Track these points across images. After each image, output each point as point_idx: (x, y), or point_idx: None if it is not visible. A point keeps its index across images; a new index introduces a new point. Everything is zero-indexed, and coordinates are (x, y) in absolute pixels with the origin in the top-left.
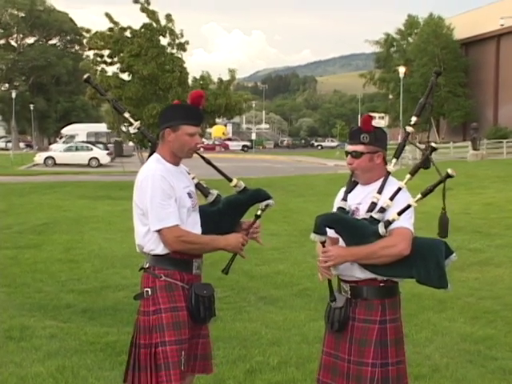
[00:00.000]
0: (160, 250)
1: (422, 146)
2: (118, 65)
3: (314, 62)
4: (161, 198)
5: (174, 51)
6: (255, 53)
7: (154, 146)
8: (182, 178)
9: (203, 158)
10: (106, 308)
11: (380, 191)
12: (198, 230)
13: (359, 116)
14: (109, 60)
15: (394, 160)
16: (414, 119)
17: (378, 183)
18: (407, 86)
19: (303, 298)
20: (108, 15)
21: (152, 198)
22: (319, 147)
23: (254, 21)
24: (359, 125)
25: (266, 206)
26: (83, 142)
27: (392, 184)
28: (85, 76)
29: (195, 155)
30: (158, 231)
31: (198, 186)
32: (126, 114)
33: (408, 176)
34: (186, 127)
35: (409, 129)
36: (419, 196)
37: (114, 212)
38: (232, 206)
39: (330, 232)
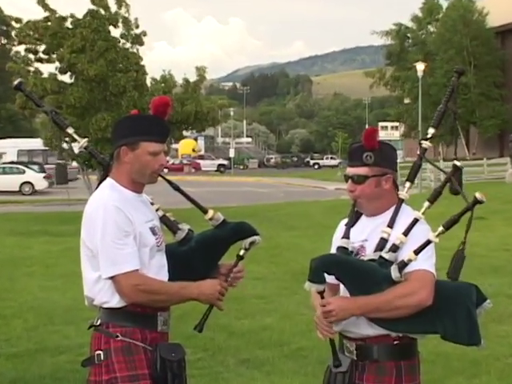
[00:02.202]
0: (115, 302)
1: (444, 165)
2: (56, 63)
3: (309, 57)
4: (115, 235)
5: (129, 45)
6: (233, 46)
7: (107, 168)
8: (143, 210)
9: (170, 182)
10: (43, 377)
11: (391, 224)
12: (163, 275)
13: (366, 126)
14: (45, 57)
15: (408, 184)
16: (431, 131)
17: (389, 214)
18: (427, 88)
19: (297, 361)
20: (42, 2)
21: (104, 236)
22: (316, 166)
23: (232, 5)
24: (361, 140)
25: (251, 243)
26: (13, 162)
27: (406, 215)
28: (15, 82)
29: (159, 179)
30: (112, 278)
31: (163, 219)
32: (70, 130)
33: (426, 204)
34: (147, 144)
35: (425, 144)
36: (441, 229)
37: (54, 252)
38: (208, 245)
39: (330, 278)
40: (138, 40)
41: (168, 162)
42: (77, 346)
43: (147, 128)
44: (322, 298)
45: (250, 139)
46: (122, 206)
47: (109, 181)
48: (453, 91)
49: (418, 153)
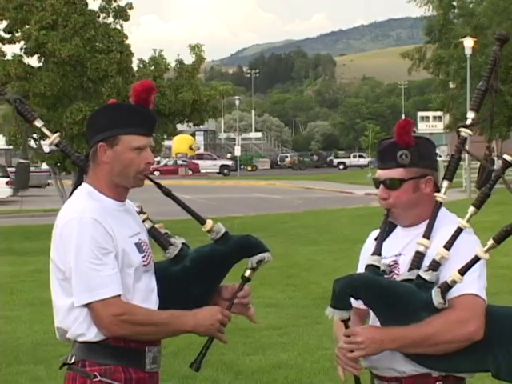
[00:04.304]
0: (93, 334)
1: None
2: (21, 43)
3: (332, 32)
4: (92, 254)
5: (111, 20)
6: (239, 20)
7: (83, 170)
8: (127, 221)
9: (159, 186)
10: None
11: (427, 234)
12: (152, 301)
13: (403, 116)
14: (7, 36)
15: (446, 183)
16: (470, 116)
17: None
18: (477, 69)
19: None
20: None
21: (78, 255)
22: (341, 166)
23: None
24: (393, 136)
25: (259, 262)
26: None
27: (446, 222)
28: None
29: (147, 181)
30: (88, 306)
31: (151, 232)
32: (38, 123)
33: (471, 209)
34: (129, 138)
35: (464, 132)
36: (491, 243)
37: (19, 275)
38: (206, 264)
39: (358, 302)
40: (121, 14)
41: (159, 162)
42: None
43: (128, 118)
44: (347, 327)
45: (259, 134)
46: (101, 219)
47: (84, 187)
48: (495, 64)
49: (457, 144)
